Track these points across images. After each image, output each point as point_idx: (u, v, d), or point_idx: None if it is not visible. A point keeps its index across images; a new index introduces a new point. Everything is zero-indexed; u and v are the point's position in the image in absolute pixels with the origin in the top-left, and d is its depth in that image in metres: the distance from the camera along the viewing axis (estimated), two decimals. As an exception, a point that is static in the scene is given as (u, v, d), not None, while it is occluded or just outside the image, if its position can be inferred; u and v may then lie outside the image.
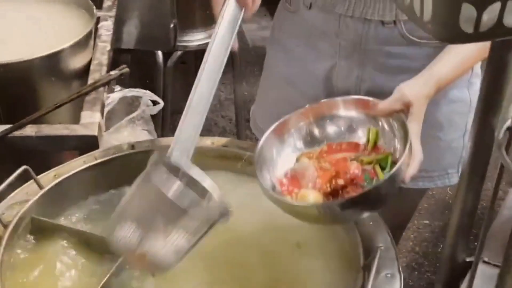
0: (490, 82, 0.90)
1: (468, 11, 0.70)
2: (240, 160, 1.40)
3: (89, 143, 1.49)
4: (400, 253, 2.73)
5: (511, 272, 0.90)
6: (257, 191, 1.36)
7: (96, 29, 1.89)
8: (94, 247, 1.22)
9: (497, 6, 0.70)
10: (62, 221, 1.29)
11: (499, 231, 1.16)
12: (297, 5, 1.55)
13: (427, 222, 2.98)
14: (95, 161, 1.37)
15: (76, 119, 1.57)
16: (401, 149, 1.25)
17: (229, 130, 3.50)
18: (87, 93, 1.61)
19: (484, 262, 1.11)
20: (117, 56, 2.06)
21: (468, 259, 1.06)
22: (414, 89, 1.30)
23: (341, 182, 1.24)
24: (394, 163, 1.24)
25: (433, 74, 1.34)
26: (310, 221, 1.22)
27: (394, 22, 1.44)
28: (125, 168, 1.36)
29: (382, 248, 1.18)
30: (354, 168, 1.26)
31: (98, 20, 1.94)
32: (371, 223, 1.25)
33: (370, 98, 1.34)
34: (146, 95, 1.85)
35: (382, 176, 1.23)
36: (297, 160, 1.34)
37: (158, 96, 2.38)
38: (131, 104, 1.84)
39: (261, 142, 1.29)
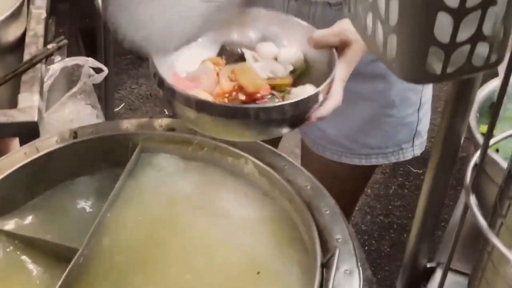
0: (459, 89, 0.86)
1: (435, 53, 0.65)
2: (190, 145, 1.33)
3: (28, 129, 1.40)
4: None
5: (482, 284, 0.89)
6: (209, 179, 1.32)
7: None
8: (44, 254, 1.15)
9: (466, 47, 0.65)
10: (5, 225, 1.20)
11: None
12: None
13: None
14: (37, 153, 1.28)
15: (12, 101, 1.47)
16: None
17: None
18: (23, 72, 1.50)
19: (444, 267, 1.09)
20: (54, 5, 1.92)
21: (429, 265, 1.03)
22: None
23: (242, 97, 1.14)
24: None
25: None
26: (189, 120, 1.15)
27: (341, 3, 1.37)
28: (68, 160, 1.29)
29: (340, 240, 1.15)
30: (263, 89, 1.14)
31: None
32: (327, 211, 1.22)
33: (307, 24, 1.22)
34: (88, 62, 1.75)
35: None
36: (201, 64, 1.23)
37: (99, 51, 2.27)
38: (72, 74, 1.74)
39: None
